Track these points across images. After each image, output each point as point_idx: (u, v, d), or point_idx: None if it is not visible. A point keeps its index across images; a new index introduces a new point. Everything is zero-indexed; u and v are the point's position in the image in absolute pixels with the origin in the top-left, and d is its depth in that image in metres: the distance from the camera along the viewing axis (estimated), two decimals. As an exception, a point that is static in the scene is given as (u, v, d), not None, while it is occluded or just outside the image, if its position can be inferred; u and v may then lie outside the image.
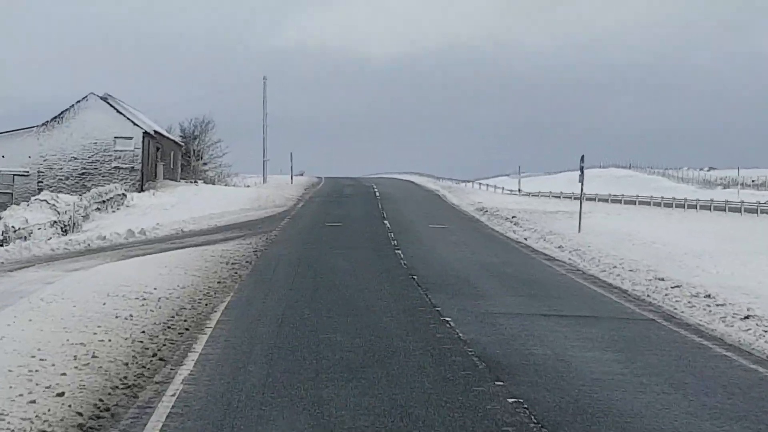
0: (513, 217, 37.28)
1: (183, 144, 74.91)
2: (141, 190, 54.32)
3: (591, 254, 24.93)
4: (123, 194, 47.34)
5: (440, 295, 17.20)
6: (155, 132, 60.91)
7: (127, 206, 45.50)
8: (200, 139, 77.81)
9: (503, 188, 77.01)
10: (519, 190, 77.29)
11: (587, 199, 61.67)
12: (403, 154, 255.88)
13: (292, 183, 75.72)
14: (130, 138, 55.88)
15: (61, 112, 56.20)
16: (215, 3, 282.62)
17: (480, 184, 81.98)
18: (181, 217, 36.77)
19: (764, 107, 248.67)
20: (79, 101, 56.34)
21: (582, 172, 31.08)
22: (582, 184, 31.33)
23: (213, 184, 71.50)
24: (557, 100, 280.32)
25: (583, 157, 31.06)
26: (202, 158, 78.02)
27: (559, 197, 64.21)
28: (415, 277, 20.04)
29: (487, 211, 42.44)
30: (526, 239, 30.53)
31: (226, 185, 72.76)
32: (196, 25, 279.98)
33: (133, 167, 55.94)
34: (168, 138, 67.22)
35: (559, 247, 27.36)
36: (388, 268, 21.94)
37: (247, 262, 22.62)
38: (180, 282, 18.09)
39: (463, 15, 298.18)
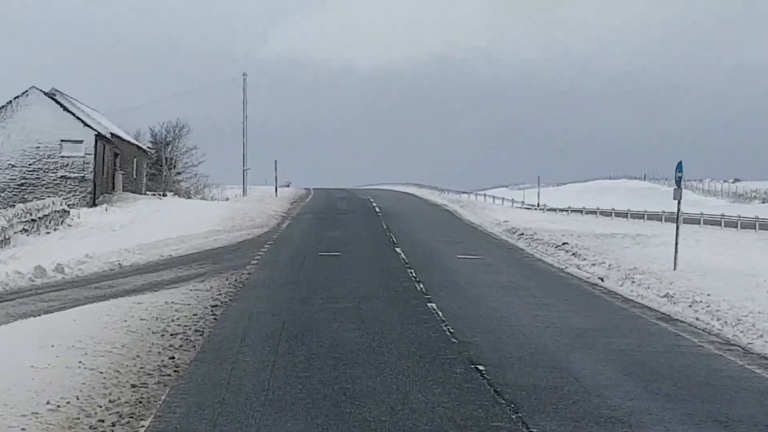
0: (564, 243, 28.49)
1: (153, 151, 65.91)
2: (93, 204, 45.00)
3: (724, 311, 16.37)
4: (64, 210, 37.37)
5: (548, 425, 8.77)
6: (113, 135, 51.28)
7: (69, 225, 35.81)
8: (173, 146, 68.87)
9: (522, 202, 68.08)
10: (539, 205, 68.17)
11: (632, 216, 53.51)
12: (393, 164, 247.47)
13: (276, 195, 66.37)
14: (80, 142, 46.14)
15: (-4, 110, 46.30)
16: (203, 12, 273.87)
17: (494, 198, 72.33)
18: (126, 243, 27.68)
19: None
20: (17, 97, 46.07)
21: (679, 185, 22.34)
22: (679, 202, 22.55)
23: (188, 196, 63.19)
24: (553, 108, 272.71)
25: (680, 164, 22.23)
26: (175, 167, 69.14)
27: (595, 214, 55.25)
28: (480, 368, 11.53)
29: (522, 233, 33.55)
30: (602, 280, 21.82)
31: (203, 198, 64.39)
32: (183, 33, 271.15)
33: (83, 177, 46.23)
34: (130, 143, 57.61)
35: (665, 296, 18.61)
36: (428, 344, 13.25)
37: (197, 330, 13.99)
38: (55, 395, 9.50)
39: (456, 23, 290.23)
